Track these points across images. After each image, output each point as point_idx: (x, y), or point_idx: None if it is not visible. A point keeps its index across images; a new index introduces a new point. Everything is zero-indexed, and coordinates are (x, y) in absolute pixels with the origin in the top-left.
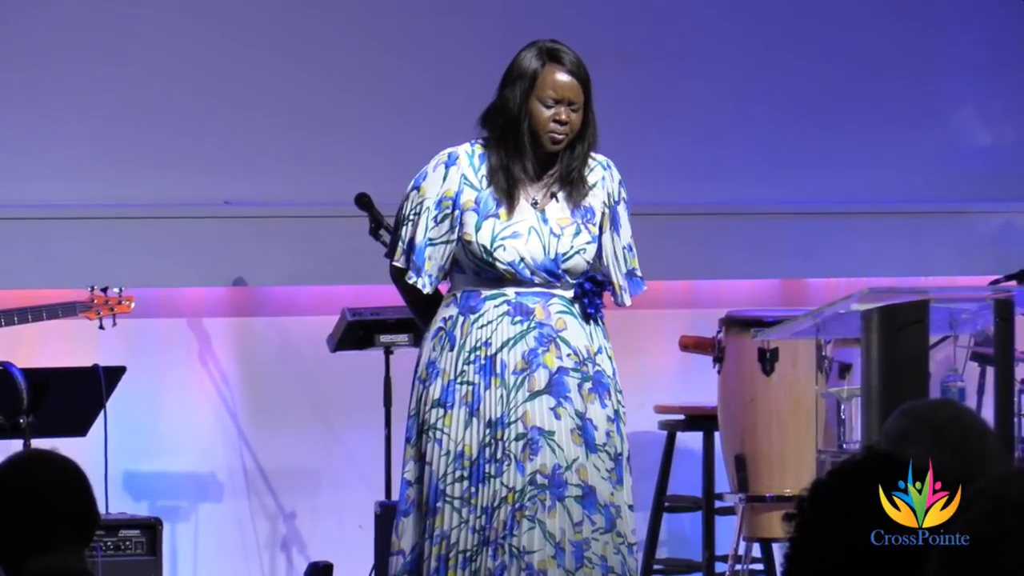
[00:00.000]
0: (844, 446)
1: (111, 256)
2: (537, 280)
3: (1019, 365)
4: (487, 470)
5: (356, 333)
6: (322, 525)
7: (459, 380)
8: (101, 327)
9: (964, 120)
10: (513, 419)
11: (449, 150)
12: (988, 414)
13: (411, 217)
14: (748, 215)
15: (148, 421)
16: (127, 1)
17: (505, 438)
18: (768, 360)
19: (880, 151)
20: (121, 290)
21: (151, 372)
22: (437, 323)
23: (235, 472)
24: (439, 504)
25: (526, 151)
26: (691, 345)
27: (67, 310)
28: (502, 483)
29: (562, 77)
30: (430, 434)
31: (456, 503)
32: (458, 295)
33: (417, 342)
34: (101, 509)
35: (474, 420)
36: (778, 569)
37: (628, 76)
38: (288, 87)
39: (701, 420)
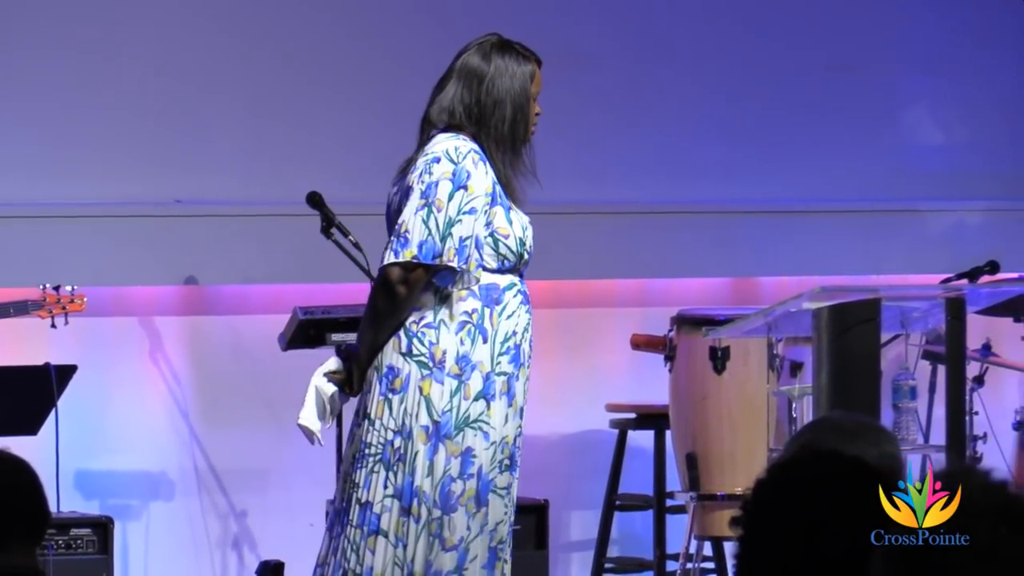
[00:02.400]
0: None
1: (63, 255)
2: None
3: (970, 363)
4: (517, 458)
5: (307, 332)
6: (273, 523)
7: (496, 372)
8: (53, 325)
9: (916, 119)
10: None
11: (468, 145)
12: (940, 412)
13: (463, 216)
14: (700, 214)
15: (99, 420)
16: (76, 5)
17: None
18: (719, 359)
19: (832, 150)
20: (73, 288)
21: (102, 371)
22: (460, 318)
23: (186, 471)
24: (488, 496)
25: (527, 146)
26: (642, 343)
27: (19, 308)
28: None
29: (538, 74)
30: (475, 427)
31: (501, 492)
32: (475, 288)
33: None
34: (52, 508)
35: (510, 410)
36: (730, 568)
37: (581, 76)
38: (239, 85)
39: (652, 419)
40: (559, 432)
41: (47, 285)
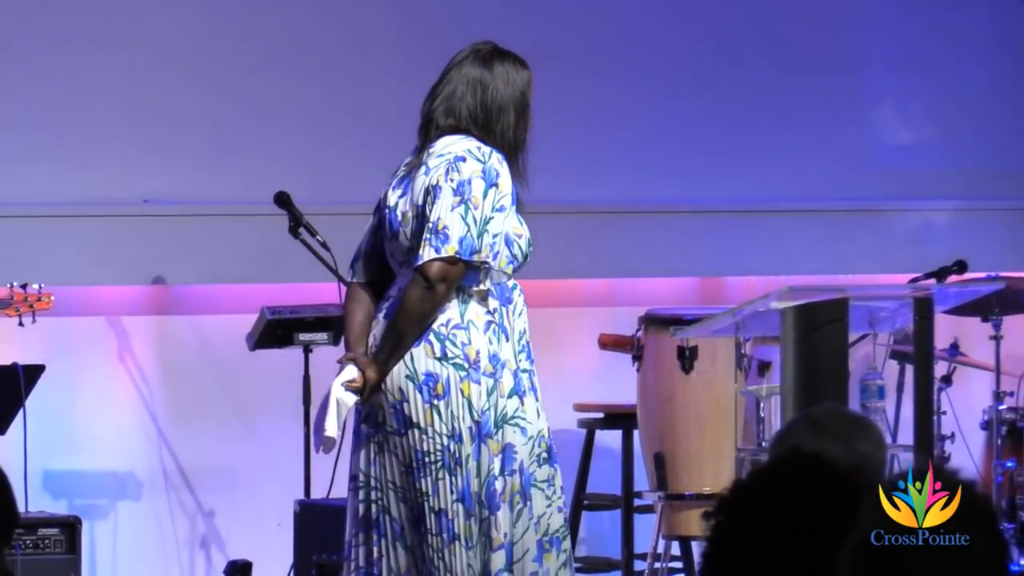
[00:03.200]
0: (763, 444)
1: (30, 254)
2: None
3: (938, 363)
4: (555, 450)
5: (275, 331)
6: (241, 523)
7: (520, 369)
8: (21, 324)
9: (883, 119)
10: None
11: (487, 147)
12: (908, 412)
13: (495, 213)
14: (667, 213)
15: (67, 419)
16: (40, 2)
17: None
18: (687, 358)
19: (799, 150)
20: (41, 287)
21: (70, 370)
22: (484, 317)
23: (154, 470)
24: (531, 490)
25: (525, 151)
26: (610, 343)
27: None
28: None
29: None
30: (512, 424)
31: (542, 486)
32: (491, 288)
33: (336, 340)
34: (20, 508)
35: (538, 405)
36: (697, 567)
37: (548, 75)
38: (207, 86)
39: (620, 418)
40: None
41: (14, 284)
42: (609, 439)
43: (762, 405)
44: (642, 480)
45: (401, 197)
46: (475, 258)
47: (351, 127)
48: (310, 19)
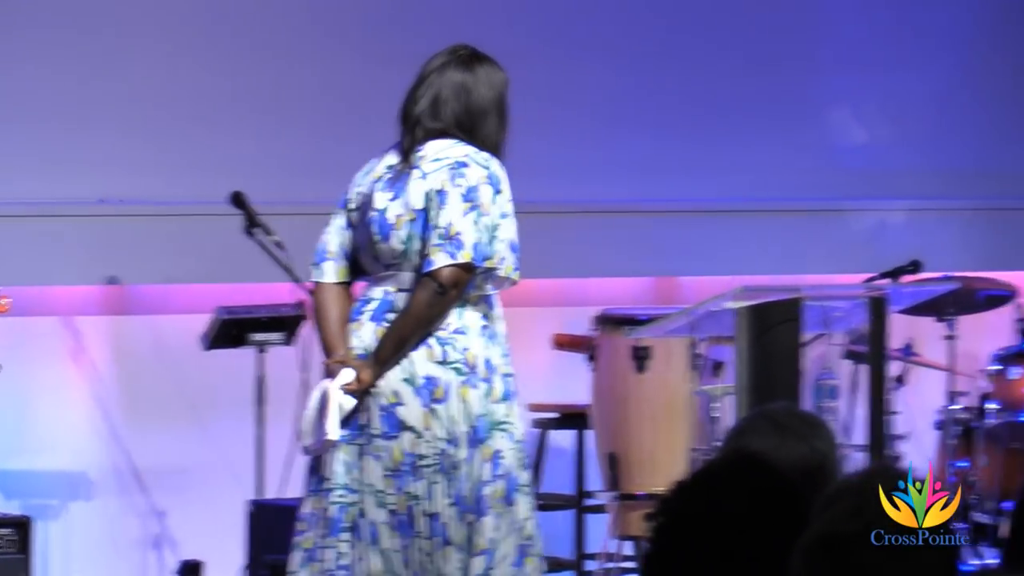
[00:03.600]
0: (717, 444)
1: None
2: None
3: (892, 363)
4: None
5: (229, 331)
6: (194, 523)
7: (506, 373)
8: None
9: (839, 119)
10: None
11: (484, 153)
12: (861, 412)
13: (501, 220)
14: (622, 213)
15: (20, 419)
16: None
17: None
18: (641, 358)
19: (754, 149)
20: None
21: (24, 370)
22: (479, 322)
23: (107, 470)
24: (515, 495)
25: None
26: (565, 343)
27: None
28: None
29: None
30: (501, 429)
31: (526, 491)
32: (481, 294)
33: (290, 341)
34: None
35: (519, 410)
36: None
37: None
38: (162, 84)
39: (574, 418)
40: None
41: None
42: (562, 439)
43: (716, 405)
44: (595, 480)
45: (392, 200)
46: (486, 264)
47: (306, 128)
48: (264, 21)
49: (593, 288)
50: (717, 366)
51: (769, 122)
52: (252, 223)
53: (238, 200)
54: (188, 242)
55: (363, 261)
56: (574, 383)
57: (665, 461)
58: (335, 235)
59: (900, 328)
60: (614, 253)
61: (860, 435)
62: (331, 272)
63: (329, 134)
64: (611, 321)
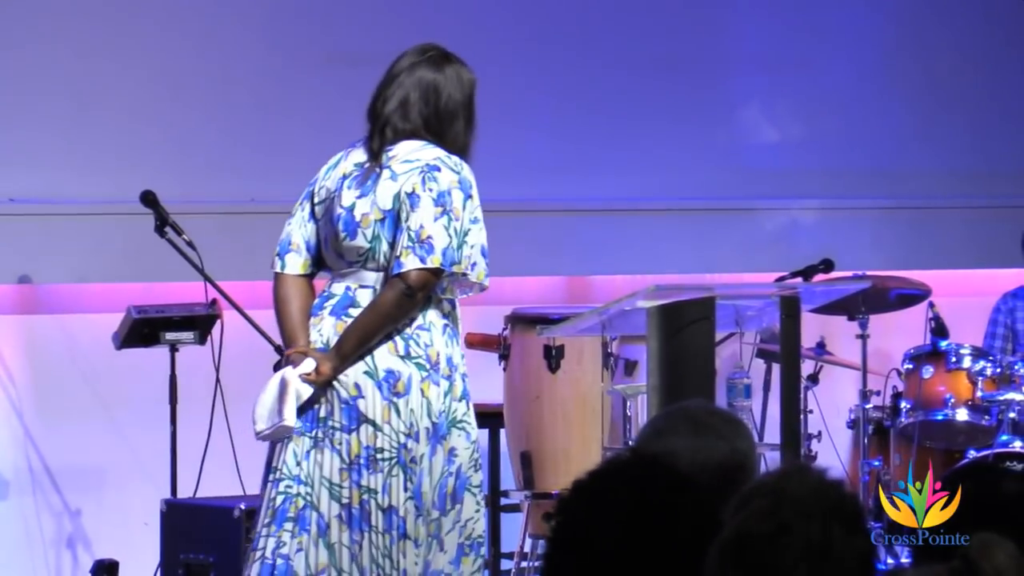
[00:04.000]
0: (630, 443)
1: None
2: None
3: (805, 362)
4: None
5: (141, 330)
6: (108, 523)
7: (464, 374)
8: None
9: (749, 118)
10: None
11: (455, 157)
12: (774, 411)
13: (471, 225)
14: (532, 212)
15: None
16: None
17: None
18: (554, 357)
19: (665, 148)
20: None
21: None
22: (441, 320)
23: (20, 470)
24: (464, 494)
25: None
26: (476, 342)
27: None
28: None
29: None
30: (459, 427)
31: (475, 491)
32: (447, 296)
33: (202, 340)
34: None
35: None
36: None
37: None
38: (72, 84)
39: (487, 417)
40: None
41: None
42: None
43: (628, 404)
44: (509, 479)
45: (360, 198)
46: (455, 269)
47: (217, 127)
48: (178, 18)
49: (505, 287)
50: (629, 365)
51: (681, 121)
52: (163, 222)
53: (149, 200)
54: (100, 241)
55: (325, 256)
56: (487, 382)
57: (578, 460)
58: (298, 228)
59: (812, 327)
60: (525, 252)
61: (773, 434)
62: (293, 264)
63: (241, 135)
64: (523, 320)
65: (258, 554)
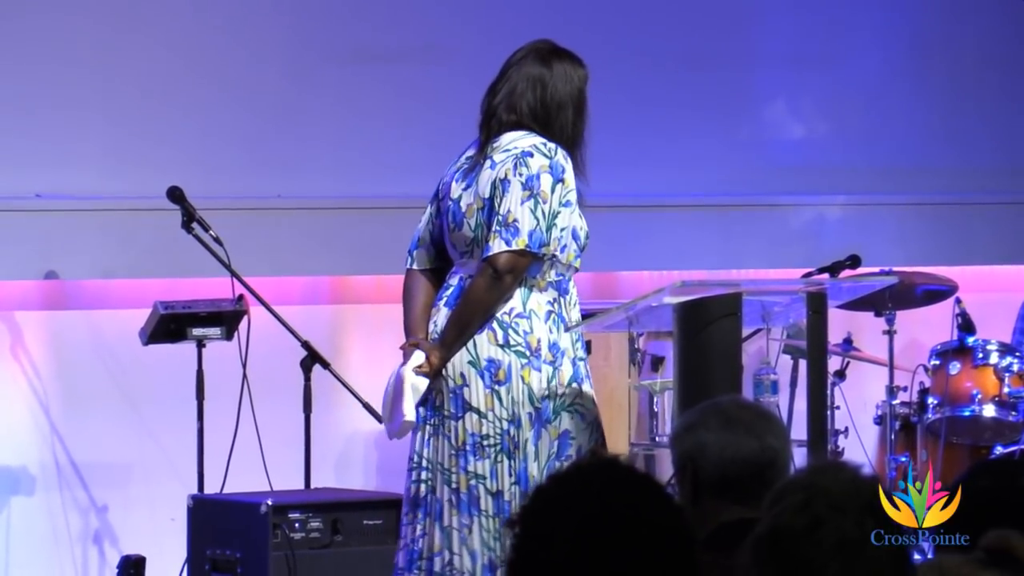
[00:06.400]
0: (657, 439)
1: None
2: None
3: (831, 358)
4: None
5: (168, 326)
6: (134, 518)
7: (577, 357)
8: None
9: (775, 114)
10: None
11: (552, 143)
12: (801, 406)
13: (562, 208)
14: None
15: None
16: None
17: None
18: None
19: (691, 144)
20: None
21: None
22: (545, 307)
23: (47, 466)
24: None
25: (583, 146)
26: None
27: None
28: None
29: None
30: (571, 410)
31: None
32: (553, 279)
33: (229, 336)
34: None
35: (593, 392)
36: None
37: (433, 68)
38: (100, 79)
39: None
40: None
41: None
42: None
43: (655, 400)
44: None
45: (465, 190)
46: (543, 251)
47: (244, 122)
48: (206, 15)
49: None
50: (656, 361)
51: (708, 117)
52: (190, 218)
53: (176, 195)
54: (126, 237)
55: (447, 249)
56: None
57: None
58: (425, 224)
59: (839, 323)
60: None
61: (800, 430)
62: (420, 259)
63: (268, 131)
64: None
65: (402, 542)
